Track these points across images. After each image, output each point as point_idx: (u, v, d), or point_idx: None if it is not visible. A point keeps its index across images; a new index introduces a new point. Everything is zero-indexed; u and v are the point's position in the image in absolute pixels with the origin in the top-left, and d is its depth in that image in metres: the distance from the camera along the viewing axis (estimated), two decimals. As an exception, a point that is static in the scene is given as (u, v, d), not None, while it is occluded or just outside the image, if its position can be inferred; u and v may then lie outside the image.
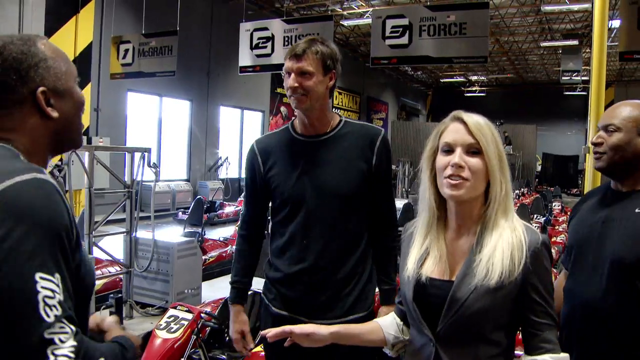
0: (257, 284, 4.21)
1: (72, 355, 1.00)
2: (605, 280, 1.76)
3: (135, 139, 12.12)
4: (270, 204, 2.23)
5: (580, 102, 22.38)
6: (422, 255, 1.52)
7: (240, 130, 16.82)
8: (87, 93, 10.17)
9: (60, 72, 1.22)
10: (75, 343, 1.01)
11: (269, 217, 2.28)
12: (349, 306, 2.10)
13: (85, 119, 10.32)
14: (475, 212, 1.46)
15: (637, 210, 1.77)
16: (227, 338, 4.02)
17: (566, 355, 1.40)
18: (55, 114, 1.20)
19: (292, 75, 2.03)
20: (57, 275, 1.03)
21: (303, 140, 2.14)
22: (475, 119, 1.45)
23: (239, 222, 2.57)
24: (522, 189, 16.60)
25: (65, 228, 1.08)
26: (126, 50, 10.06)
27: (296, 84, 2.02)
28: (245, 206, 2.29)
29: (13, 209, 1.04)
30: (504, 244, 1.39)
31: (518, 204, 9.18)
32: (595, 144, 1.88)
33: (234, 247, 2.40)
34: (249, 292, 4.06)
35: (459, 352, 1.43)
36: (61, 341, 1.00)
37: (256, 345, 3.53)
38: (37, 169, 1.12)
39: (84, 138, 9.78)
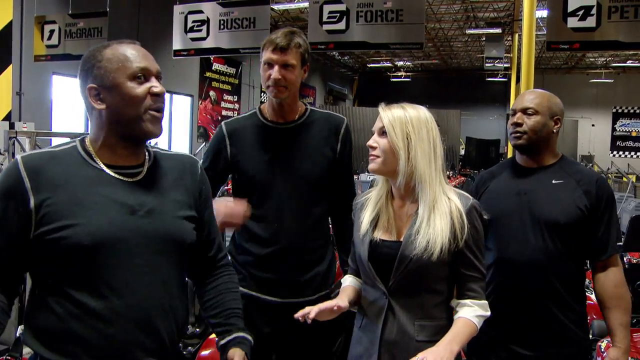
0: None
1: None
2: (544, 241, 2.06)
3: (61, 125, 11.61)
4: (231, 190, 2.32)
5: (501, 88, 23.29)
6: (373, 219, 1.77)
7: (170, 115, 16.42)
8: (7, 76, 9.64)
9: (110, 70, 1.46)
10: None
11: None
12: (317, 285, 2.23)
13: (7, 103, 9.80)
14: (408, 185, 1.71)
15: (553, 182, 2.11)
16: None
17: (485, 301, 1.69)
18: (100, 106, 1.47)
19: (276, 67, 2.10)
20: None
21: (272, 126, 2.21)
22: (393, 109, 1.72)
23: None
24: (448, 172, 17.10)
25: (3, 191, 1.41)
26: (51, 31, 9.53)
27: (280, 76, 2.10)
28: None
29: None
30: (441, 210, 1.65)
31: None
32: (516, 124, 2.15)
33: None
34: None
35: (407, 302, 1.69)
36: None
37: (211, 332, 3.54)
38: (25, 153, 1.50)
39: (6, 123, 9.35)
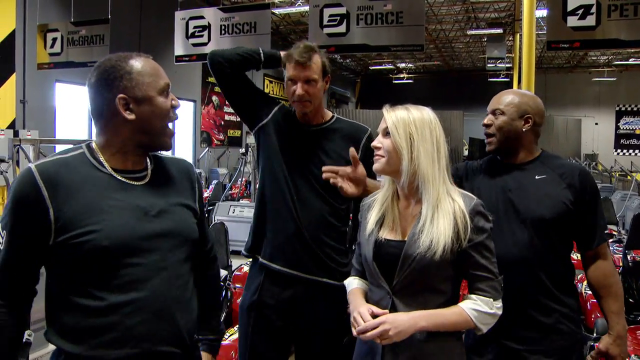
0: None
1: None
2: (530, 237, 2.08)
3: (65, 132, 11.67)
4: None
5: (503, 88, 23.02)
6: (379, 219, 1.80)
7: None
8: (11, 84, 9.72)
9: (141, 83, 1.55)
10: None
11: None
12: (323, 269, 2.32)
13: (11, 112, 9.87)
14: (412, 184, 1.73)
15: (537, 177, 2.14)
16: None
17: (490, 299, 1.69)
18: (131, 117, 1.54)
19: (299, 83, 2.22)
20: (5, 232, 1.47)
21: (300, 124, 2.37)
22: (397, 110, 1.75)
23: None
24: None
25: (21, 201, 1.46)
26: (54, 39, 9.62)
27: (303, 92, 2.22)
28: None
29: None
30: (445, 210, 1.67)
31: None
32: (486, 125, 2.22)
33: None
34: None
35: (411, 302, 1.70)
36: None
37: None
38: (37, 161, 1.53)
39: (11, 131, 9.41)
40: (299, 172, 2.28)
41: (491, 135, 2.19)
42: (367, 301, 1.82)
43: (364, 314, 1.68)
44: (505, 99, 2.20)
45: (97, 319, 1.49)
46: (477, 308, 1.67)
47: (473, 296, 1.70)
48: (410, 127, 1.71)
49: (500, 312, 1.71)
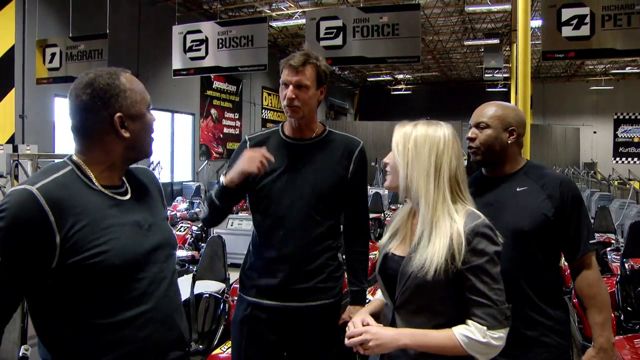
0: (208, 287, 4.24)
1: None
2: (510, 249, 1.99)
3: (64, 146, 11.70)
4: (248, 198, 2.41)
5: (501, 98, 23.16)
6: (392, 234, 1.80)
7: (171, 134, 16.55)
8: (10, 99, 9.76)
9: (135, 101, 1.58)
10: None
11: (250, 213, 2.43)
12: (319, 293, 2.29)
13: (11, 126, 9.91)
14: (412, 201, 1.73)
15: (517, 189, 2.12)
16: None
17: (482, 327, 1.59)
18: (127, 135, 1.57)
19: (290, 87, 2.21)
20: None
21: (289, 141, 2.34)
22: (405, 126, 1.74)
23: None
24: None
25: (23, 227, 1.39)
26: (53, 54, 9.70)
27: (293, 96, 2.21)
28: None
29: None
30: (442, 230, 1.63)
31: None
32: (470, 139, 2.19)
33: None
34: (204, 296, 4.11)
35: (409, 319, 1.68)
36: None
37: (216, 347, 3.57)
38: (32, 182, 1.45)
39: (10, 146, 9.45)
40: (286, 196, 2.26)
41: (476, 149, 2.17)
42: (382, 312, 1.82)
43: (356, 322, 1.71)
44: (489, 112, 2.18)
45: (110, 335, 1.51)
46: (469, 335, 1.58)
47: (468, 321, 1.61)
48: (408, 144, 1.69)
49: (498, 343, 1.60)
